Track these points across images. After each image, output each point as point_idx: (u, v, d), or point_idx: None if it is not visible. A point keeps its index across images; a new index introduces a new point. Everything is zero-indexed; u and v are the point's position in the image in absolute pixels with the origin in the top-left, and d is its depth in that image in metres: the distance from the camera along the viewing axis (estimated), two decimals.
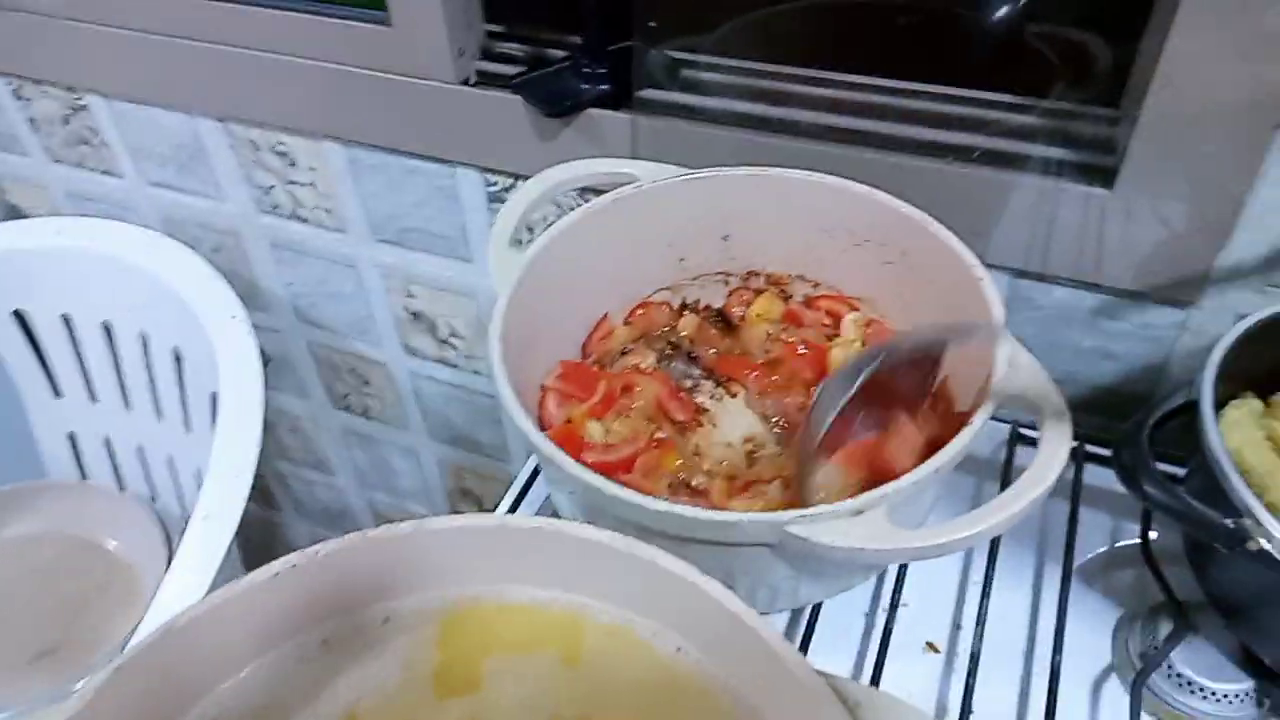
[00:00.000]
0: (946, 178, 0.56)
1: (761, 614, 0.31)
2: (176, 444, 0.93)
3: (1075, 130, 0.56)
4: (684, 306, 0.57)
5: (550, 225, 0.51)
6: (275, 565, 0.33)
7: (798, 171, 0.53)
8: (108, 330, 0.90)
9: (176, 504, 0.98)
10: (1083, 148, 0.55)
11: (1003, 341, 0.42)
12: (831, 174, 0.52)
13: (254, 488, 1.23)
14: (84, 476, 1.02)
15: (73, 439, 1.00)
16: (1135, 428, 0.42)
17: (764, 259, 0.58)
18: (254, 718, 0.34)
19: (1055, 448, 0.38)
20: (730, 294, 0.58)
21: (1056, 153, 0.55)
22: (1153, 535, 0.49)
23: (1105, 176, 0.53)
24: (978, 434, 0.39)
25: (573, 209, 0.59)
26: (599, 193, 0.53)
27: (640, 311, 0.57)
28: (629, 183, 0.53)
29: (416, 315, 0.86)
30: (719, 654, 0.35)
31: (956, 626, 0.49)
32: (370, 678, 0.35)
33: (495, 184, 0.70)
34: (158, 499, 1.00)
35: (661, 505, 0.37)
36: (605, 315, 0.56)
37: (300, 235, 0.84)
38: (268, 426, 1.14)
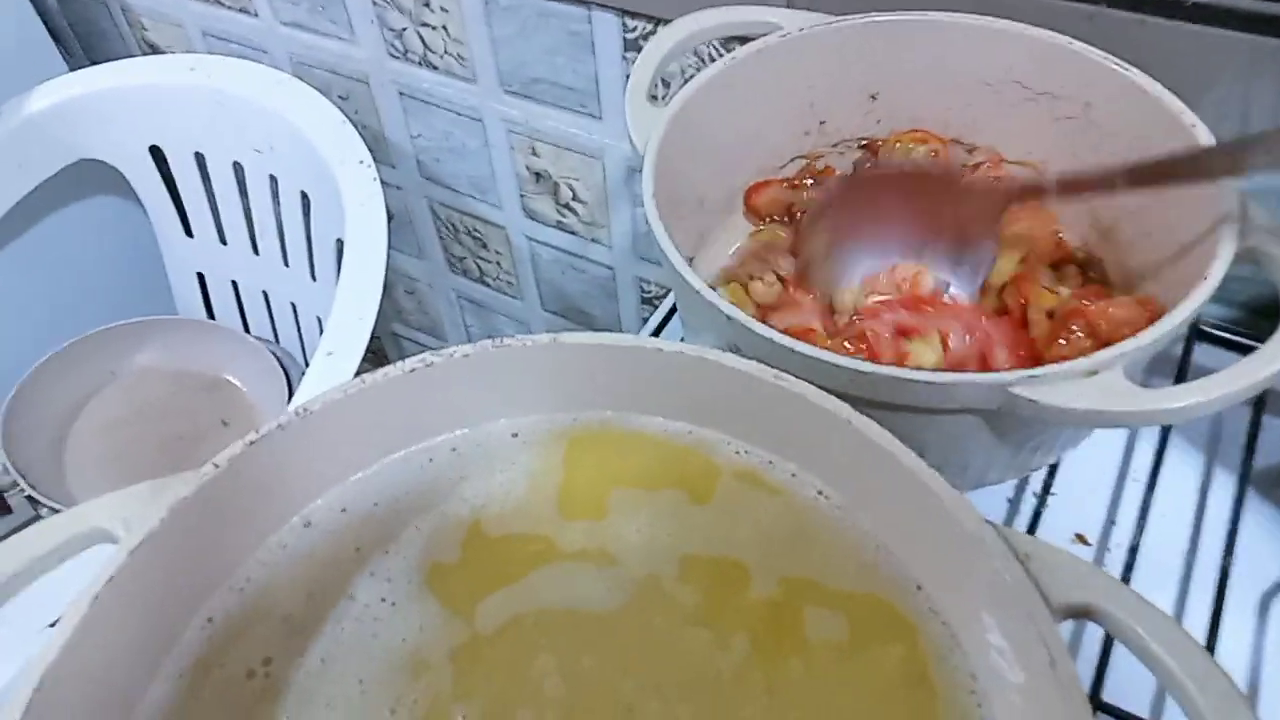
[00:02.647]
0: (1147, 32, 0.49)
1: None
2: (300, 291, 0.95)
3: None
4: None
5: (688, 80, 0.47)
6: (411, 361, 0.32)
7: (961, 15, 0.47)
8: (239, 172, 0.91)
9: (299, 350, 1.00)
10: None
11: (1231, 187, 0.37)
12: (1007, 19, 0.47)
13: (370, 349, 1.26)
14: (211, 316, 1.05)
15: (202, 279, 1.03)
16: None
17: (914, 120, 0.52)
18: (382, 510, 0.33)
19: None
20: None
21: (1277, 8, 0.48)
22: None
23: None
24: (1215, 288, 0.34)
25: (713, 59, 0.55)
26: (742, 41, 0.49)
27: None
28: (772, 32, 0.49)
29: (539, 176, 0.84)
30: (867, 502, 0.32)
31: (1111, 521, 0.45)
32: (497, 486, 0.33)
33: (634, 29, 0.66)
34: (280, 343, 1.03)
35: (864, 365, 0.33)
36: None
37: (429, 83, 0.82)
38: (386, 287, 1.15)
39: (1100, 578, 0.26)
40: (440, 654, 0.29)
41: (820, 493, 0.33)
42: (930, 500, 0.29)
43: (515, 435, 0.35)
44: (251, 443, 0.30)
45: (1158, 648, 0.25)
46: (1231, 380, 0.31)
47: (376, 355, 1.26)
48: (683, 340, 0.35)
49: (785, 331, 0.43)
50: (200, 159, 0.92)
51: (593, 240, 0.87)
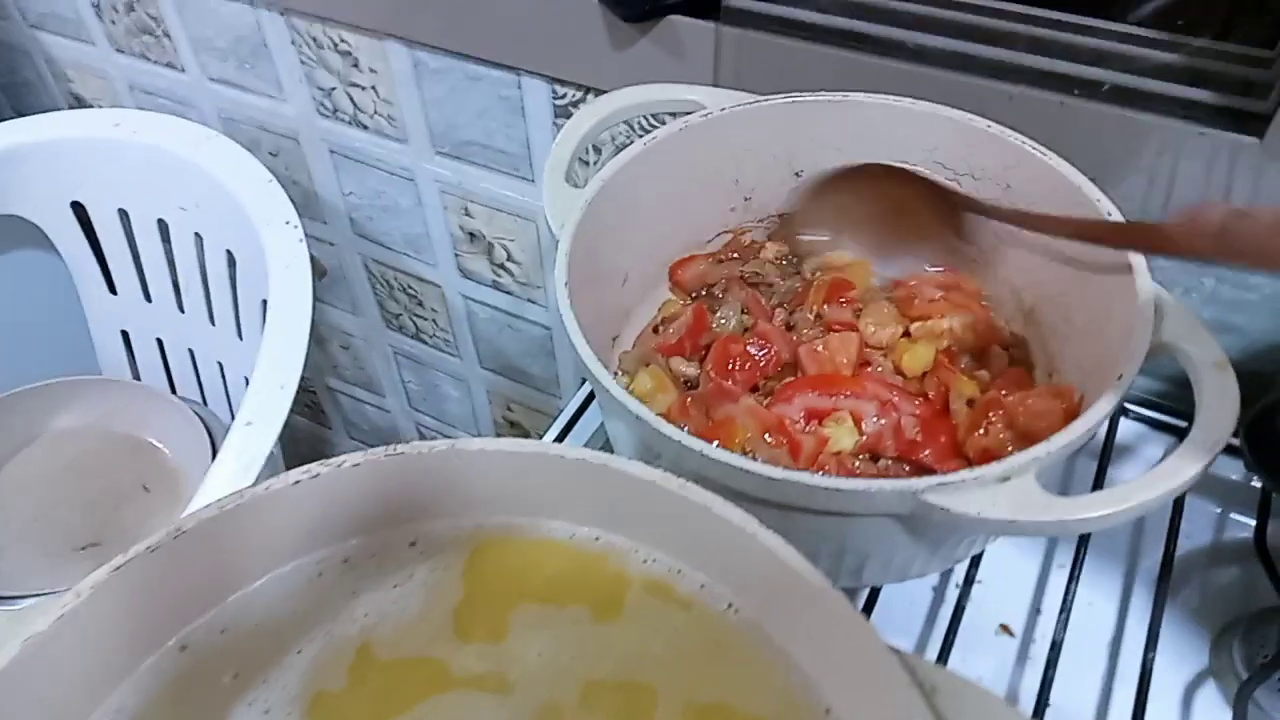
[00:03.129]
0: (1067, 113, 0.50)
1: (846, 588, 0.26)
2: (227, 350, 0.92)
3: (1222, 71, 0.49)
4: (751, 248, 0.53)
5: (620, 149, 0.46)
6: (296, 473, 0.30)
7: (882, 96, 0.47)
8: (163, 228, 0.88)
9: (226, 410, 0.97)
10: (1230, 90, 0.49)
11: (1144, 274, 0.36)
12: (929, 100, 0.47)
13: (305, 403, 1.23)
14: (136, 376, 1.01)
15: (126, 337, 0.99)
16: (1272, 406, 0.37)
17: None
18: (264, 632, 0.31)
19: (1222, 400, 0.32)
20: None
21: (1198, 94, 0.49)
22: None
23: (1255, 123, 0.47)
24: (1128, 387, 0.34)
25: (645, 130, 0.54)
26: (666, 119, 0.48)
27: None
28: (695, 110, 0.48)
29: (473, 236, 0.82)
30: (775, 616, 0.31)
31: (1036, 611, 0.44)
32: (391, 603, 0.32)
33: (564, 96, 0.65)
34: (207, 403, 0.99)
35: (775, 472, 0.32)
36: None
37: (360, 142, 0.81)
38: (321, 341, 1.13)
39: (1008, 714, 0.25)
40: None
41: (730, 605, 0.32)
42: (838, 622, 0.28)
43: (413, 544, 0.33)
44: (118, 568, 0.28)
45: None
46: (1148, 488, 0.31)
47: (313, 409, 1.23)
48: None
49: (705, 425, 0.42)
50: (124, 215, 0.89)
51: (528, 300, 0.86)
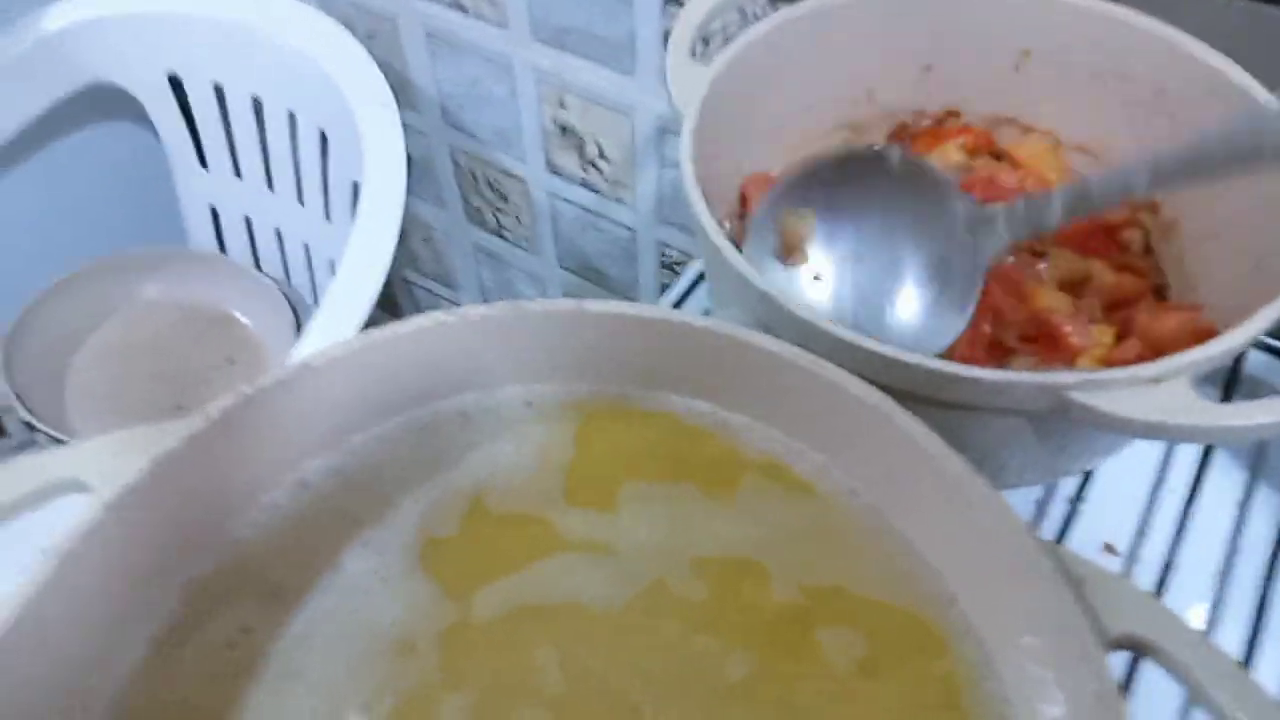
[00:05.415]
0: (1235, 17, 0.46)
1: None
2: (314, 231, 0.93)
3: None
4: None
5: (730, 40, 0.44)
6: (422, 319, 0.30)
7: None
8: (257, 105, 0.88)
9: (309, 291, 0.98)
10: None
11: None
12: None
13: (381, 295, 1.24)
14: (223, 250, 1.03)
15: (215, 212, 1.00)
16: None
17: (968, 96, 0.49)
18: (380, 478, 0.31)
19: None
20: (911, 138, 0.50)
21: None
22: None
23: None
24: None
25: (757, 18, 0.51)
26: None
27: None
28: None
29: (565, 129, 0.81)
30: (900, 502, 0.30)
31: (1142, 532, 0.43)
32: (503, 459, 0.31)
33: None
34: (291, 282, 1.01)
35: (907, 357, 0.30)
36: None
37: (458, 26, 0.79)
38: (402, 234, 1.13)
39: (1160, 611, 0.24)
40: (430, 638, 0.27)
41: (852, 490, 0.31)
42: (976, 511, 0.27)
43: (529, 404, 0.33)
44: (248, 395, 0.28)
45: (1221, 695, 0.22)
46: None
47: (386, 300, 1.24)
48: (708, 313, 0.32)
49: None
50: (219, 90, 0.89)
51: (616, 200, 0.84)
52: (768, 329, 0.36)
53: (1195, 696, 0.23)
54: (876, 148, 0.42)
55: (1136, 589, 0.24)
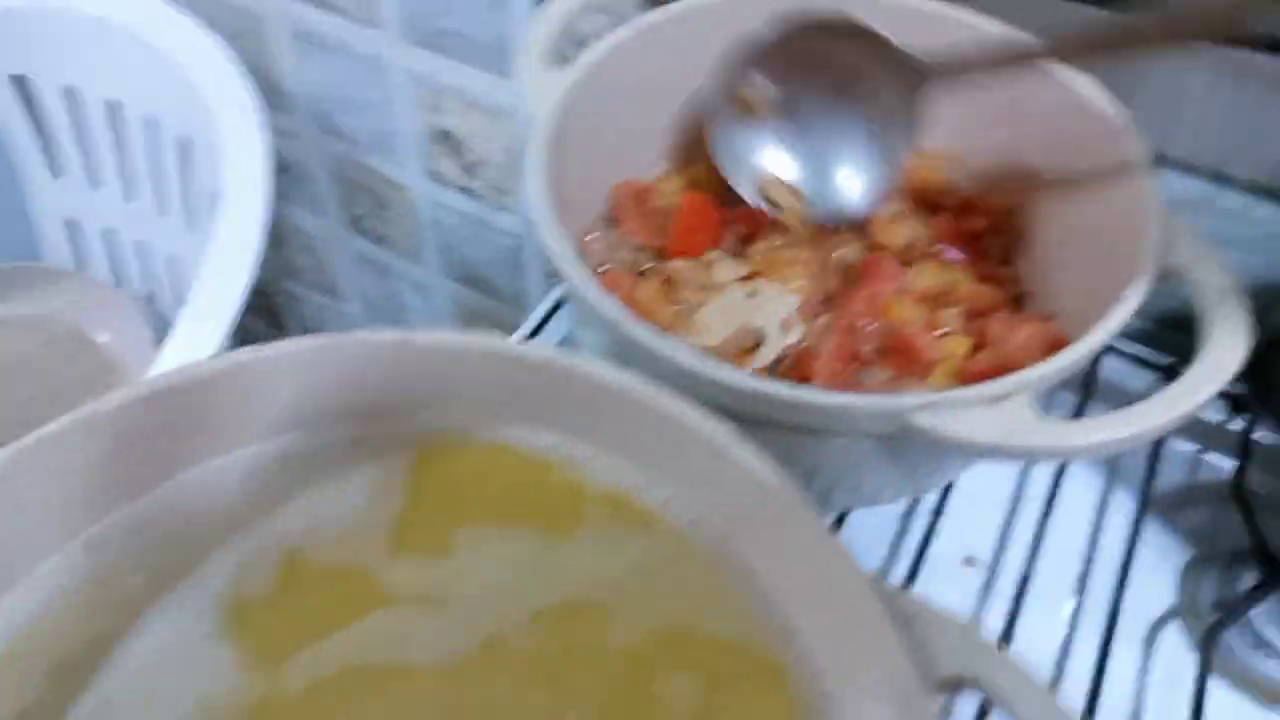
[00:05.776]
0: (1079, 21, 0.47)
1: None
2: (178, 243, 0.88)
3: None
4: None
5: (599, 42, 0.43)
6: (229, 356, 0.28)
7: None
8: (113, 110, 0.83)
9: (175, 307, 0.93)
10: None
11: (1155, 192, 0.34)
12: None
13: (263, 306, 1.19)
14: (81, 267, 0.97)
15: (71, 226, 0.94)
16: (1274, 341, 0.35)
17: None
18: (185, 532, 0.28)
19: (1231, 332, 0.31)
20: None
21: None
22: None
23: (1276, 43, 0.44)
24: (1136, 306, 0.32)
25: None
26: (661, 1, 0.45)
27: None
28: None
29: (445, 134, 0.78)
30: (744, 534, 0.29)
31: (1003, 543, 0.43)
32: (326, 506, 0.29)
33: None
34: (156, 299, 0.95)
35: (753, 382, 0.30)
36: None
37: (327, 26, 0.76)
38: (279, 242, 1.08)
39: (984, 647, 0.24)
40: (238, 713, 0.25)
41: (696, 520, 0.30)
42: (812, 546, 0.26)
43: (358, 443, 0.31)
44: (21, 450, 0.25)
45: None
46: (1142, 419, 0.29)
47: (271, 313, 1.19)
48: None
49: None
50: (71, 93, 0.84)
51: (500, 208, 0.82)
52: (621, 352, 0.35)
53: None
54: (821, 16, 0.41)
55: (965, 627, 0.24)
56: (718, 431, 0.27)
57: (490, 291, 0.93)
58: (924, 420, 0.29)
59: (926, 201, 0.45)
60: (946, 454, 0.35)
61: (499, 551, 0.29)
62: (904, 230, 0.43)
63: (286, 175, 0.95)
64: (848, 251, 0.42)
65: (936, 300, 0.42)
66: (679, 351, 0.31)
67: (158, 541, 0.28)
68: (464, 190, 0.83)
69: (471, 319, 0.98)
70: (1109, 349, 0.50)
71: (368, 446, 0.31)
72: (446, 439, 0.31)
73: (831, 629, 0.26)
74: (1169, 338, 0.52)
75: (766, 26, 0.42)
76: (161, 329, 0.91)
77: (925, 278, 0.42)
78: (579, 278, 0.33)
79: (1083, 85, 0.40)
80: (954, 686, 0.23)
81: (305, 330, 1.18)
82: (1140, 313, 0.52)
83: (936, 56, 0.39)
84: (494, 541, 0.29)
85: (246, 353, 0.27)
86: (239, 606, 0.27)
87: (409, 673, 0.26)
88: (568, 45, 0.61)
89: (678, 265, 0.44)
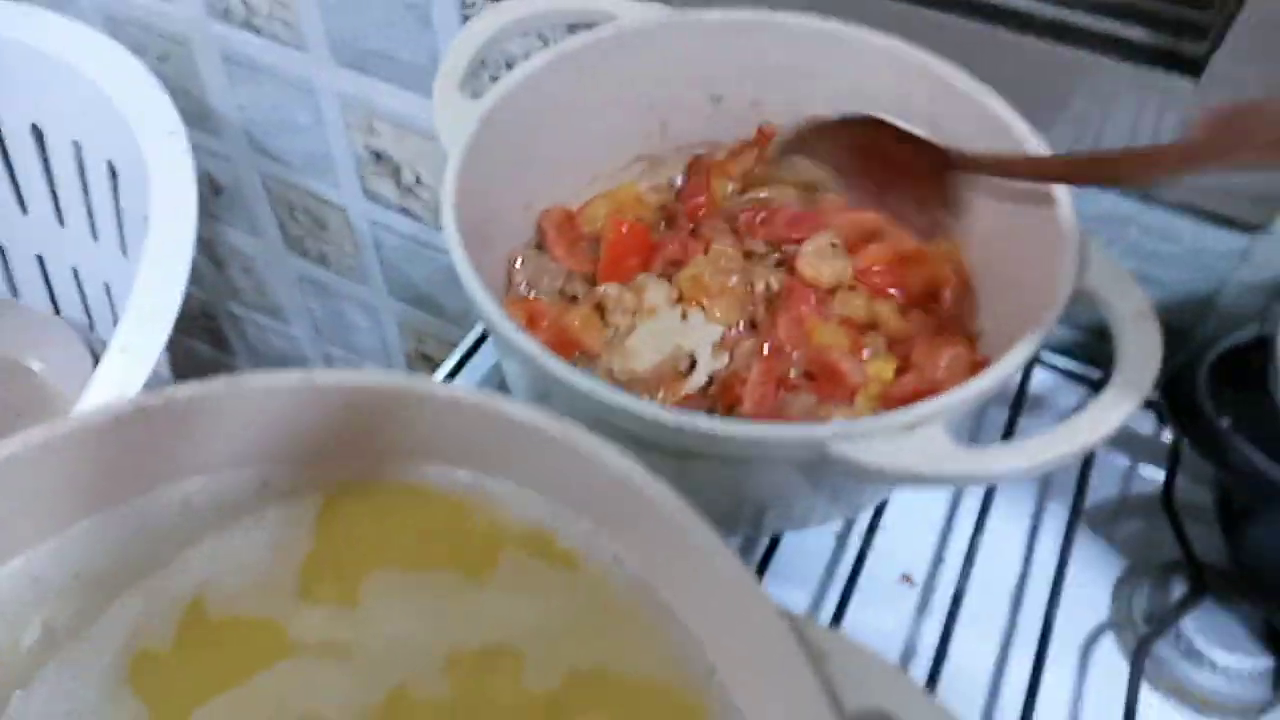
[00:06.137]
0: (996, 47, 0.47)
1: (746, 535, 0.24)
2: (112, 269, 0.85)
3: (1158, 10, 0.47)
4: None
5: (513, 69, 0.42)
6: (118, 406, 0.26)
7: (806, 16, 0.44)
8: (39, 134, 0.81)
9: (112, 332, 0.90)
10: (1165, 29, 0.47)
11: (1070, 218, 0.34)
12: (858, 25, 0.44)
13: (207, 329, 1.17)
14: (15, 294, 0.94)
15: (2, 251, 0.92)
16: (1191, 361, 0.36)
17: (758, 128, 0.49)
18: (83, 580, 0.27)
19: (1146, 351, 0.31)
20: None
21: (1134, 32, 0.47)
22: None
23: (1190, 66, 0.45)
24: (1047, 335, 0.32)
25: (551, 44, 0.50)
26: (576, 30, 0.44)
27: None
28: (607, 21, 0.44)
29: (379, 156, 0.77)
30: (661, 572, 0.28)
31: (938, 560, 0.43)
32: (229, 553, 0.28)
33: (473, 4, 0.60)
34: (94, 327, 0.93)
35: (671, 416, 0.30)
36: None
37: (255, 49, 0.74)
38: (220, 263, 1.06)
39: (901, 682, 0.23)
40: None
41: (616, 558, 0.29)
42: (726, 582, 0.25)
43: (265, 485, 0.30)
44: None
45: None
46: (1057, 444, 0.29)
47: (215, 335, 1.16)
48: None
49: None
50: None
51: (440, 228, 0.81)
52: (539, 383, 0.35)
53: None
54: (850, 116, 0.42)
55: (881, 661, 0.24)
56: (633, 470, 0.27)
57: (437, 311, 0.91)
58: (841, 449, 0.29)
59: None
60: (865, 481, 0.35)
61: (411, 597, 0.28)
62: (829, 267, 0.42)
63: (222, 196, 0.93)
64: (771, 279, 0.42)
65: (861, 326, 0.42)
66: (596, 386, 0.30)
67: (55, 593, 0.27)
68: (403, 211, 0.82)
69: (419, 338, 0.97)
70: (1038, 362, 0.50)
71: (274, 490, 0.30)
72: (357, 481, 0.30)
73: (749, 667, 0.26)
74: (1099, 347, 0.52)
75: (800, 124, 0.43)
76: (99, 355, 0.89)
77: (849, 305, 0.42)
78: (495, 316, 0.33)
79: (995, 104, 0.40)
80: None
81: (250, 352, 1.16)
82: (1069, 323, 0.53)
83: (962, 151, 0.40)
84: (406, 587, 0.28)
85: (147, 397, 0.26)
86: (140, 660, 0.26)
87: None
88: (497, 68, 0.61)
89: (608, 290, 0.44)
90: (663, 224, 0.47)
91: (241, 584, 0.28)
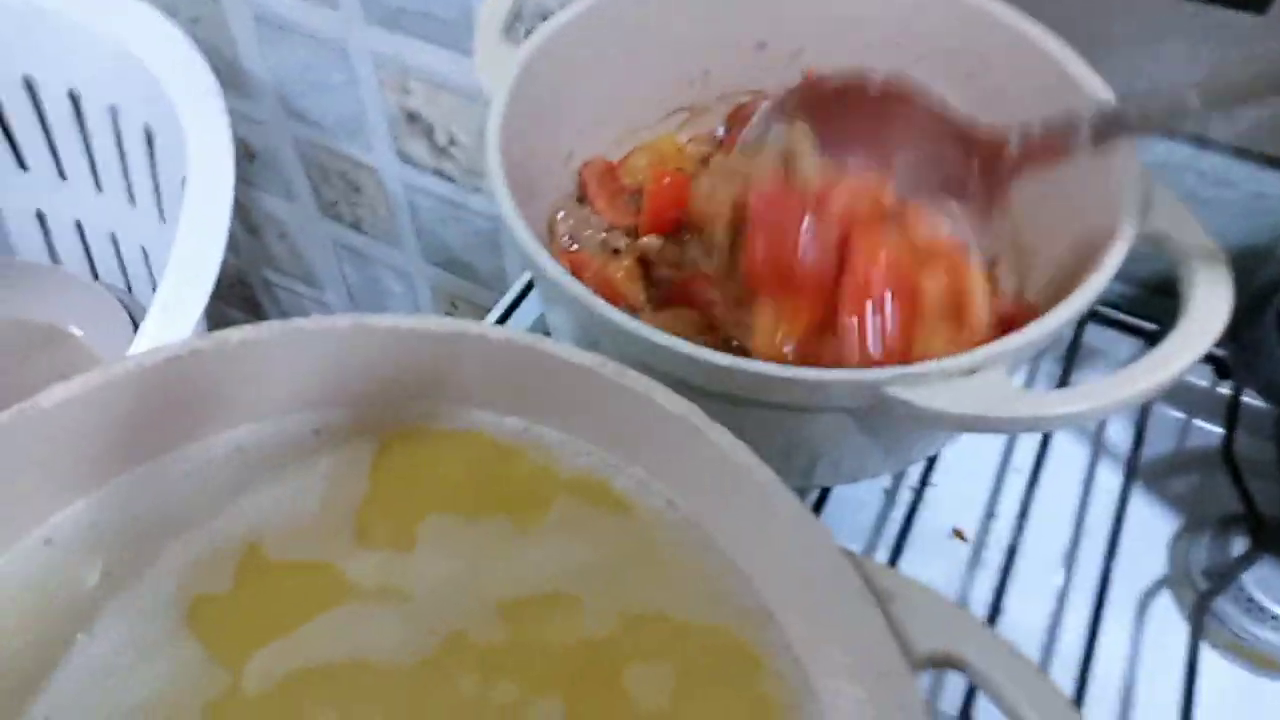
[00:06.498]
0: None
1: (795, 488, 0.24)
2: (150, 233, 0.86)
3: None
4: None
5: (552, 16, 0.41)
6: (176, 346, 0.26)
7: None
8: (75, 100, 0.81)
9: (150, 297, 0.91)
10: None
11: (1133, 156, 0.33)
12: None
13: (241, 296, 1.17)
14: (55, 260, 0.95)
15: (41, 218, 0.92)
16: (1255, 307, 0.34)
17: (804, 74, 0.48)
18: (141, 523, 0.27)
19: (1214, 295, 0.30)
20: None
21: None
22: None
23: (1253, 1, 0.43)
24: (1110, 278, 0.31)
25: None
26: None
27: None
28: None
29: (413, 116, 0.77)
30: (718, 516, 0.28)
31: (990, 515, 0.42)
32: (285, 499, 0.28)
33: None
34: (132, 290, 0.94)
35: (722, 359, 0.29)
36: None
37: (286, 8, 0.74)
38: (255, 230, 1.07)
39: (968, 623, 0.23)
40: (194, 712, 0.24)
41: (670, 502, 0.29)
42: (785, 524, 0.25)
43: (317, 432, 0.30)
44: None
45: (1024, 707, 0.21)
46: (1122, 386, 0.28)
47: (249, 303, 1.17)
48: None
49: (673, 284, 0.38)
50: (30, 84, 0.82)
51: (473, 189, 0.81)
52: (588, 332, 0.34)
53: (1002, 709, 0.22)
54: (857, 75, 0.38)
55: (947, 603, 0.23)
56: (689, 411, 0.26)
57: (470, 274, 0.91)
58: (899, 393, 0.28)
59: None
60: (925, 427, 0.34)
61: (465, 542, 0.28)
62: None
63: (256, 162, 0.93)
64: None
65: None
66: (647, 329, 0.30)
67: (114, 537, 0.27)
68: (437, 173, 0.81)
69: (453, 303, 0.97)
70: (1092, 315, 0.49)
71: (328, 436, 0.30)
72: (409, 426, 0.30)
73: (808, 609, 0.25)
74: (1154, 302, 0.51)
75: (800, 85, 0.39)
76: (139, 319, 0.90)
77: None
78: (542, 259, 0.32)
79: (1057, 48, 0.39)
80: (938, 665, 0.22)
81: (284, 319, 1.17)
82: (1124, 278, 0.52)
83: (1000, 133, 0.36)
84: (460, 532, 0.28)
85: (201, 340, 0.26)
86: (198, 603, 0.26)
87: (372, 669, 0.25)
88: (533, 19, 0.60)
89: (651, 243, 0.43)
90: None
91: (298, 528, 0.28)
